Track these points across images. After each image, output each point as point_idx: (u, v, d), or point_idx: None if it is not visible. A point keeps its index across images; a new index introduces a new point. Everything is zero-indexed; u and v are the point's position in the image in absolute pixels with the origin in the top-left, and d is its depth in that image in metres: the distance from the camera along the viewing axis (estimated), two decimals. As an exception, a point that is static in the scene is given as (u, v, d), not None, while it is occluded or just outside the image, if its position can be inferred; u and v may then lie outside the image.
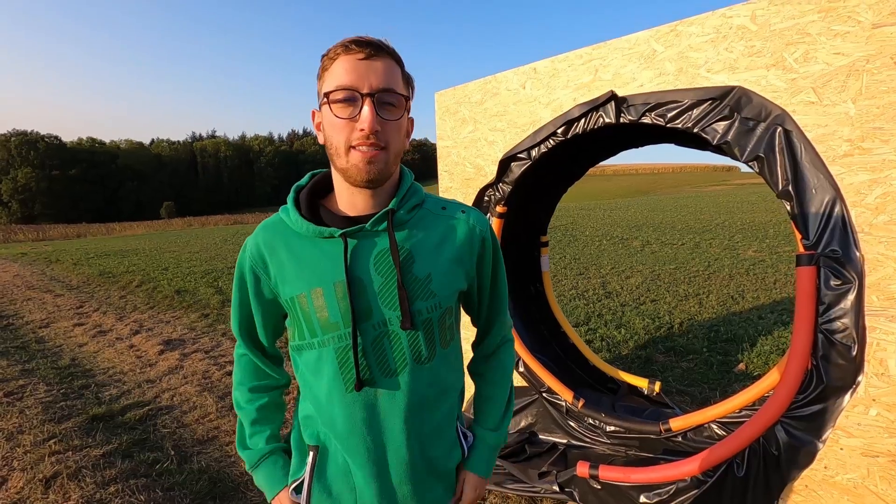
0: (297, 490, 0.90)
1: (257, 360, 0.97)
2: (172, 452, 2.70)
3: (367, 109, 0.74)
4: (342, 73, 0.75)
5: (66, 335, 5.31)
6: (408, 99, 0.82)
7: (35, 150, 76.53)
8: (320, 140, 0.83)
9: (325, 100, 0.77)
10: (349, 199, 0.84)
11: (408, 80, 0.83)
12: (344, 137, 0.76)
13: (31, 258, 13.70)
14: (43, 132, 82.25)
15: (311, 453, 0.88)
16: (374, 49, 0.75)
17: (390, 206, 0.82)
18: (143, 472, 2.52)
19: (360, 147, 0.76)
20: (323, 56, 0.78)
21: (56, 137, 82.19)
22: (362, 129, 0.74)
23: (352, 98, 0.75)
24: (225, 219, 37.19)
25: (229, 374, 3.90)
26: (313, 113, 0.84)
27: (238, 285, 0.91)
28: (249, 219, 36.28)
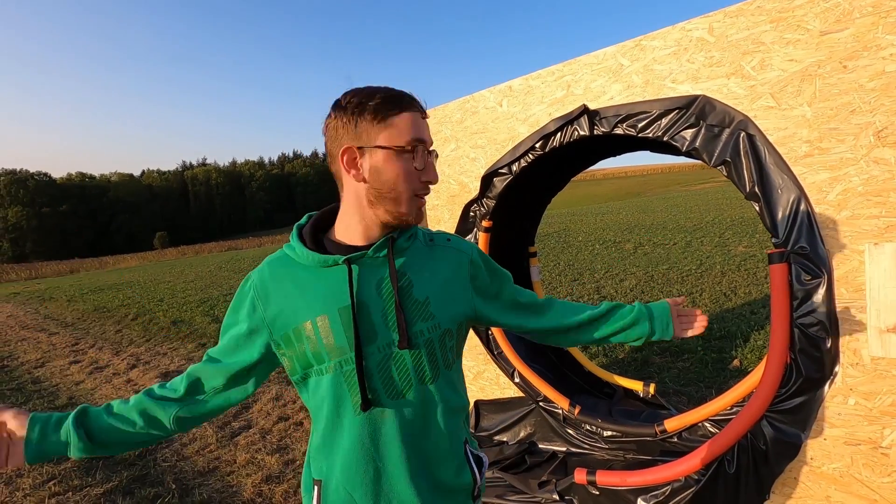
0: None
1: (176, 396, 0.91)
2: (174, 486, 2.69)
3: (434, 163, 0.88)
4: (414, 127, 0.84)
5: (63, 374, 5.27)
6: None
7: (24, 188, 76.36)
8: (356, 179, 0.85)
9: (399, 149, 0.83)
10: (364, 232, 0.89)
11: None
12: (412, 186, 0.86)
13: (24, 297, 13.59)
14: (32, 170, 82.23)
15: (316, 488, 0.91)
16: (424, 109, 0.89)
17: (392, 234, 0.89)
18: (145, 508, 2.51)
19: (422, 195, 0.88)
20: (375, 103, 0.82)
21: (45, 174, 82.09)
22: (428, 181, 0.87)
23: (417, 151, 0.85)
24: (219, 245, 37.13)
25: (228, 402, 3.89)
26: (351, 150, 0.83)
27: (233, 308, 0.92)
28: (243, 244, 36.23)
